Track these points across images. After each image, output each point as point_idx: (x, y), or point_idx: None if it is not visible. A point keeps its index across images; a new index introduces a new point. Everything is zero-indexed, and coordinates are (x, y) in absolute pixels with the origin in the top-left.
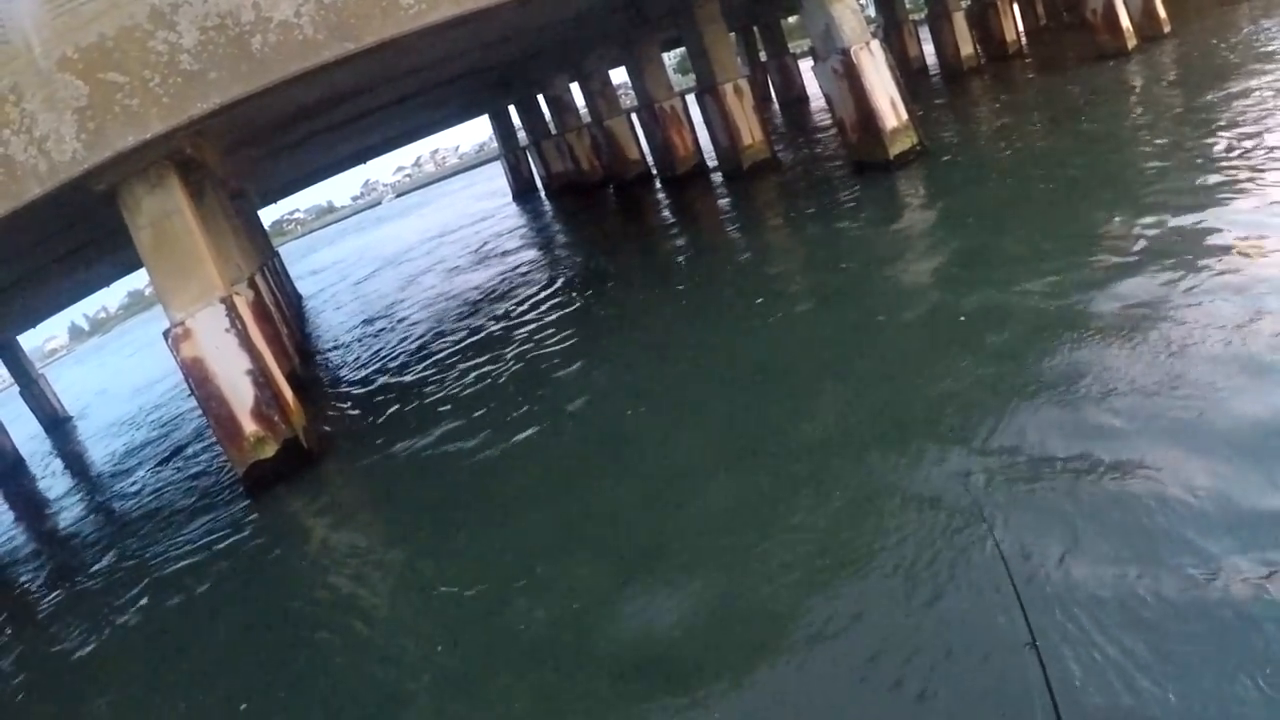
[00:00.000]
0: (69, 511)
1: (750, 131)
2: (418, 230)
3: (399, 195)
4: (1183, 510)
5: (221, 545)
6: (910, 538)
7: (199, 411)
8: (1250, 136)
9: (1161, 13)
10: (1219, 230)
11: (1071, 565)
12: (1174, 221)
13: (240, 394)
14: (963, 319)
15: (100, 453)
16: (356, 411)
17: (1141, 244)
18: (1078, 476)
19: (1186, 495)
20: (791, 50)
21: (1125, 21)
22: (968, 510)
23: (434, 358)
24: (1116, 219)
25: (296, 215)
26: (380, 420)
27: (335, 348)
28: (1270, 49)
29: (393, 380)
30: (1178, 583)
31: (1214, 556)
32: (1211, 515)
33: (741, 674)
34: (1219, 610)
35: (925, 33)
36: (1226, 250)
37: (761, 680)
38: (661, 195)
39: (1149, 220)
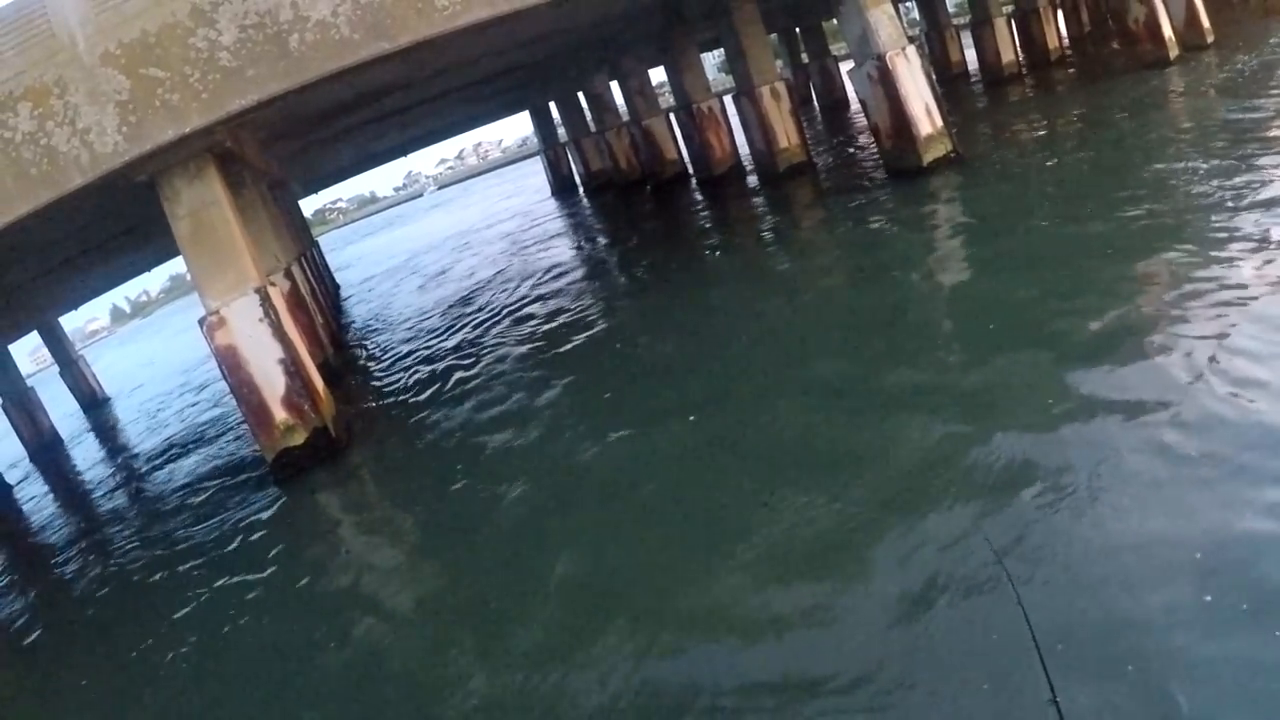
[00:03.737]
0: (101, 489)
1: (786, 134)
2: (457, 224)
3: (441, 187)
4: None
5: (245, 528)
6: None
7: (232, 397)
8: None
9: (1205, 22)
10: (1250, 250)
11: None
12: (1205, 242)
13: (272, 382)
14: (978, 338)
15: (136, 434)
16: (386, 402)
17: (1174, 267)
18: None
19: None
20: (834, 53)
21: (1168, 31)
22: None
23: (463, 350)
24: (1149, 239)
25: (339, 204)
26: (408, 411)
27: (370, 338)
28: None
29: (422, 371)
30: None
31: None
32: None
33: None
34: None
35: (968, 38)
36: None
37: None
38: (697, 195)
39: (1183, 242)
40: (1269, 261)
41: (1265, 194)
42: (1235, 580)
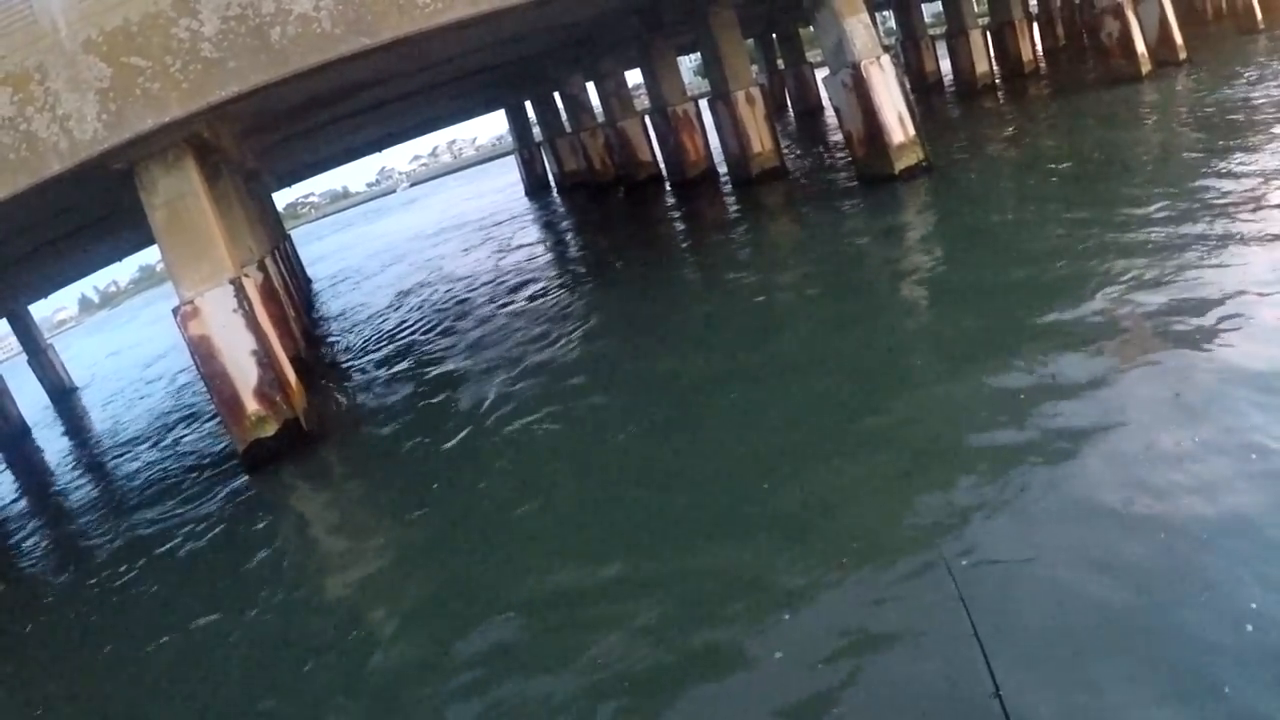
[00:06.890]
0: (70, 479)
1: (760, 139)
2: (429, 221)
3: (413, 184)
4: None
5: (214, 518)
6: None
7: (203, 388)
8: (1257, 176)
9: (1178, 39)
10: (1211, 269)
11: None
12: (1166, 256)
13: (244, 373)
14: (928, 343)
15: (104, 424)
16: (357, 395)
17: (1133, 282)
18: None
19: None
20: (809, 60)
21: (1141, 47)
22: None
23: (434, 344)
24: (1110, 254)
25: (311, 199)
26: (379, 403)
27: (341, 331)
28: None
29: (394, 365)
30: None
31: None
32: None
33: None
34: None
35: (944, 49)
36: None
37: None
38: (670, 198)
39: (1145, 257)
40: (1228, 279)
41: (1223, 208)
42: None
